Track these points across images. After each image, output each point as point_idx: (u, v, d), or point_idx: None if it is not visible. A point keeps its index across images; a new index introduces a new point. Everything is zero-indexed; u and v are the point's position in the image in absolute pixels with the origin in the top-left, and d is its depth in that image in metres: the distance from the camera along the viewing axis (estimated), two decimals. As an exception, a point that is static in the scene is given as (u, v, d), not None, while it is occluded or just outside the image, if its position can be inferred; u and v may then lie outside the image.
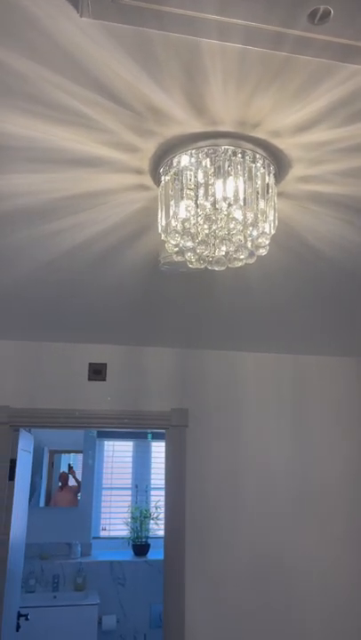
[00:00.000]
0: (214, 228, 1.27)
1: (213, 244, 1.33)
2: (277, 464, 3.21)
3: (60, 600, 4.49)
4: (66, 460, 5.34)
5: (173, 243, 1.31)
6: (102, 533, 5.26)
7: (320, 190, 1.47)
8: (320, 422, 3.31)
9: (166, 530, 3.10)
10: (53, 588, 4.68)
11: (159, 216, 1.34)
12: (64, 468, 5.29)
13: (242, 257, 1.34)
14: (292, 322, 2.74)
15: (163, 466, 3.32)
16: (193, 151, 1.28)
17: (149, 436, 5.49)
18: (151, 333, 3.01)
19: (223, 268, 1.40)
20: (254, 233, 1.28)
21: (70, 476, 5.26)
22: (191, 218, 1.29)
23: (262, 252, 1.35)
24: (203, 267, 1.42)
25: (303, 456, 3.25)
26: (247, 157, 1.27)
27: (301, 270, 2.03)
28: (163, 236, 1.35)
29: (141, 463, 5.55)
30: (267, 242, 1.32)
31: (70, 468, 5.29)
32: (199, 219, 1.27)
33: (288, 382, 3.34)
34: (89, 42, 0.97)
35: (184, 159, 1.29)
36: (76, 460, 5.34)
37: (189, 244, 1.27)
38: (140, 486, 5.44)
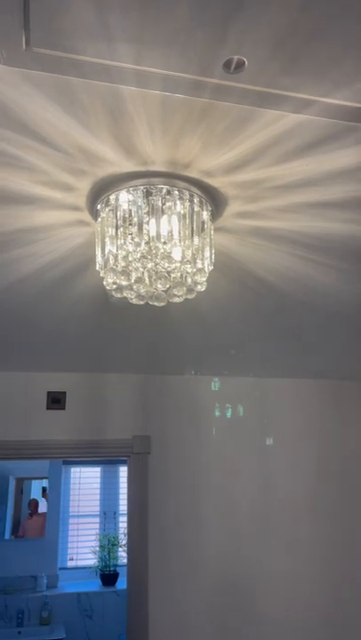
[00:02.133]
0: (150, 265, 1.27)
1: (151, 282, 1.32)
2: (241, 488, 3.19)
3: (24, 636, 4.34)
4: (37, 487, 5.21)
5: (110, 280, 1.31)
6: (69, 563, 5.14)
7: (260, 225, 1.49)
8: (282, 444, 3.31)
9: (129, 558, 3.04)
10: (18, 623, 4.53)
11: (96, 253, 1.34)
12: (35, 495, 5.17)
13: (180, 293, 1.34)
14: (251, 348, 2.76)
15: (126, 494, 3.27)
16: (130, 189, 1.28)
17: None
18: (111, 360, 2.99)
19: (163, 304, 1.40)
20: (190, 269, 1.28)
21: (44, 500, 5.13)
22: (129, 255, 1.29)
23: (200, 287, 1.36)
24: (143, 303, 1.41)
25: (266, 479, 3.24)
26: (183, 195, 1.28)
27: (252, 300, 2.05)
28: (101, 273, 1.34)
29: (109, 489, 5.45)
30: (203, 279, 1.33)
31: (44, 490, 5.16)
32: (135, 256, 1.27)
33: (250, 405, 3.35)
34: (9, 88, 0.96)
35: (121, 197, 1.29)
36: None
37: (125, 282, 1.27)
38: (109, 513, 5.34)
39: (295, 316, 2.26)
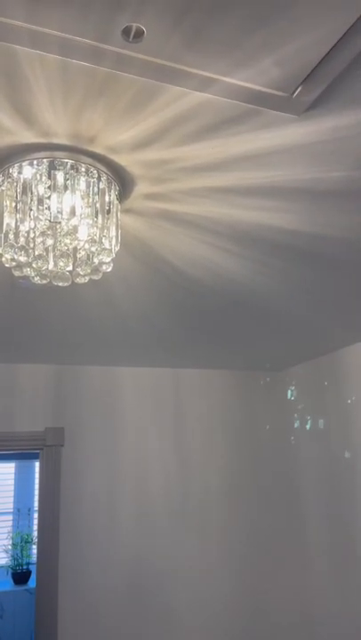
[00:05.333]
0: (50, 243, 1.23)
1: (53, 259, 1.28)
2: (156, 480, 3.19)
3: None
4: None
5: (9, 257, 1.24)
6: (-21, 563, 4.91)
7: (168, 208, 1.48)
8: (198, 435, 3.35)
9: (39, 554, 2.95)
10: None
11: (-5, 228, 1.27)
12: None
13: (84, 273, 1.30)
14: (163, 336, 2.75)
15: (37, 488, 3.17)
16: (34, 162, 1.23)
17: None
18: (22, 350, 2.88)
19: (67, 284, 1.36)
20: (93, 249, 1.25)
21: None
22: (30, 232, 1.24)
23: (106, 267, 1.33)
24: (46, 282, 1.36)
25: (182, 470, 3.26)
26: (88, 172, 1.25)
27: (163, 285, 2.05)
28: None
29: (24, 485, 5.27)
30: (109, 259, 1.30)
31: None
32: (35, 232, 1.22)
33: (166, 396, 3.36)
34: None
35: (23, 170, 1.23)
36: None
37: (23, 258, 1.21)
38: (23, 510, 5.16)
39: (205, 304, 2.28)
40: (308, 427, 3.37)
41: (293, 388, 3.53)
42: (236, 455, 3.40)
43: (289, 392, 3.56)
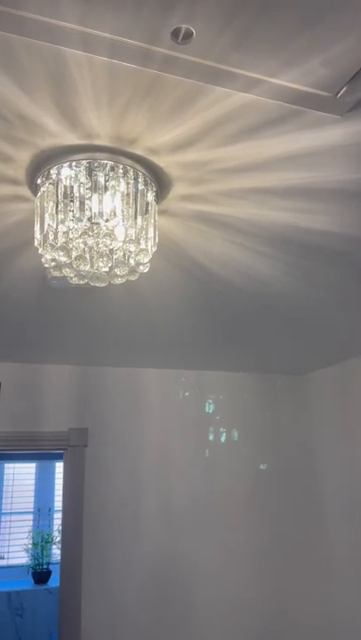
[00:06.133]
0: (91, 243, 1.23)
1: (93, 260, 1.28)
2: (178, 481, 3.19)
3: None
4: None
5: (49, 257, 1.26)
6: (0, 562, 4.96)
7: (204, 210, 1.48)
8: (220, 437, 3.34)
9: (63, 554, 2.96)
10: None
11: (35, 228, 1.28)
12: None
13: (122, 273, 1.31)
14: (190, 339, 2.76)
15: (61, 488, 3.19)
16: (73, 163, 1.24)
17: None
18: (48, 350, 2.90)
19: (105, 285, 1.36)
20: (133, 249, 1.26)
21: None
22: (70, 232, 1.24)
23: (143, 269, 1.33)
24: (84, 282, 1.37)
25: (204, 471, 3.26)
26: (127, 173, 1.25)
27: (194, 288, 2.05)
28: (39, 249, 1.29)
29: (44, 485, 5.32)
30: (147, 259, 1.30)
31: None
32: (76, 233, 1.22)
33: (189, 398, 3.36)
34: None
35: (63, 171, 1.25)
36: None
37: (64, 259, 1.22)
38: (43, 510, 5.20)
39: (233, 307, 2.27)
40: (331, 431, 3.34)
41: (317, 391, 3.50)
42: (259, 458, 3.38)
43: (312, 395, 3.53)
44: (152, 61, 0.95)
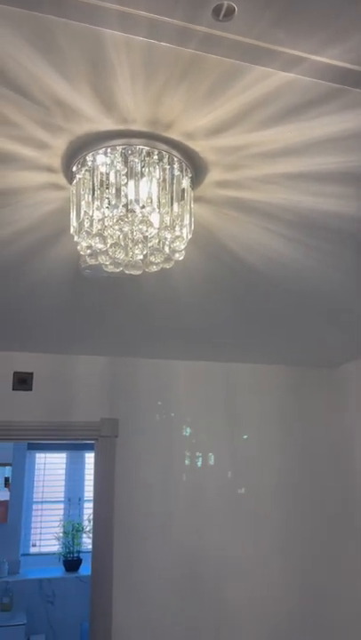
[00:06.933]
0: (127, 230, 1.22)
1: (128, 247, 1.28)
2: (208, 472, 3.18)
3: (-16, 622, 4.26)
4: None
5: (85, 244, 1.25)
6: (32, 550, 5.06)
7: (239, 196, 1.46)
8: (253, 429, 3.32)
9: (94, 543, 2.99)
10: (-22, 609, 4.44)
11: (71, 216, 1.28)
12: (-3, 482, 5.06)
13: (157, 261, 1.30)
14: (220, 329, 2.73)
15: (92, 478, 3.22)
16: (108, 149, 1.23)
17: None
18: (80, 341, 2.92)
19: (139, 272, 1.36)
20: (168, 236, 1.24)
21: (6, 490, 5.02)
22: (105, 219, 1.24)
23: (178, 256, 1.32)
24: (119, 270, 1.37)
25: (236, 464, 3.24)
26: (163, 159, 1.24)
27: (226, 277, 2.02)
28: (75, 237, 1.29)
29: (75, 475, 5.39)
30: (182, 246, 1.29)
31: (7, 481, 5.05)
32: (112, 220, 1.22)
33: (220, 390, 3.34)
34: (-18, 24, 0.90)
35: (98, 158, 1.24)
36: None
37: (101, 245, 1.22)
38: (73, 499, 5.28)
39: (266, 296, 2.24)
40: (365, 424, 3.27)
41: (351, 384, 3.43)
42: (290, 451, 3.34)
43: (346, 388, 3.47)
44: (191, 40, 0.93)
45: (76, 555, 4.95)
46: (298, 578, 3.15)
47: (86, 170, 1.24)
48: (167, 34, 0.91)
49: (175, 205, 1.25)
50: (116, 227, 1.22)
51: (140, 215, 1.22)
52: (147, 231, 1.23)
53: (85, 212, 1.21)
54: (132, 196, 1.20)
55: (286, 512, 3.24)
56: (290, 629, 3.05)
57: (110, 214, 1.22)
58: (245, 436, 3.30)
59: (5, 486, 5.05)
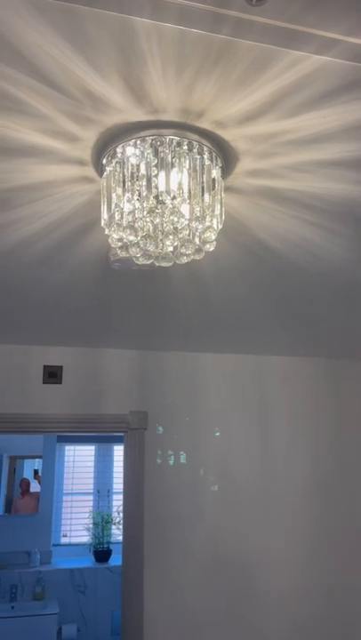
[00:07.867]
0: (158, 221, 1.22)
1: (159, 239, 1.27)
2: (240, 466, 3.17)
3: (18, 610, 4.35)
4: (29, 466, 5.19)
5: (116, 237, 1.25)
6: (63, 540, 5.14)
7: (270, 185, 1.44)
8: (284, 422, 3.29)
9: (125, 535, 3.02)
10: (11, 597, 4.54)
11: (102, 209, 1.28)
12: (27, 475, 5.14)
13: (188, 252, 1.29)
14: (250, 321, 2.71)
15: (122, 470, 3.24)
16: (137, 141, 1.22)
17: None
18: (109, 335, 2.94)
19: (170, 264, 1.35)
20: (199, 227, 1.23)
21: (36, 482, 5.11)
22: (135, 211, 1.23)
23: (209, 247, 1.31)
24: (150, 262, 1.36)
25: (267, 457, 3.22)
26: (193, 149, 1.23)
27: (256, 268, 2.00)
28: (106, 230, 1.28)
29: (103, 467, 5.44)
30: (213, 237, 1.27)
31: (36, 473, 5.14)
32: (142, 212, 1.21)
33: (250, 383, 3.32)
34: (15, 17, 0.90)
35: (128, 150, 1.23)
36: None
37: (132, 237, 1.21)
38: (102, 491, 5.34)
39: (297, 287, 2.21)
40: None
41: (382, 376, 3.37)
42: (323, 446, 3.31)
43: (377, 380, 3.41)
44: (223, 26, 0.91)
45: (105, 545, 5.01)
46: (326, 574, 3.12)
47: (117, 162, 1.23)
48: (199, 20, 0.90)
49: (206, 196, 1.23)
50: (147, 218, 1.21)
51: (170, 206, 1.21)
52: (177, 222, 1.22)
53: (116, 204, 1.21)
54: (162, 188, 1.19)
55: (320, 503, 3.21)
56: (319, 622, 3.03)
57: (141, 206, 1.21)
58: (276, 429, 3.27)
59: (35, 478, 5.14)
